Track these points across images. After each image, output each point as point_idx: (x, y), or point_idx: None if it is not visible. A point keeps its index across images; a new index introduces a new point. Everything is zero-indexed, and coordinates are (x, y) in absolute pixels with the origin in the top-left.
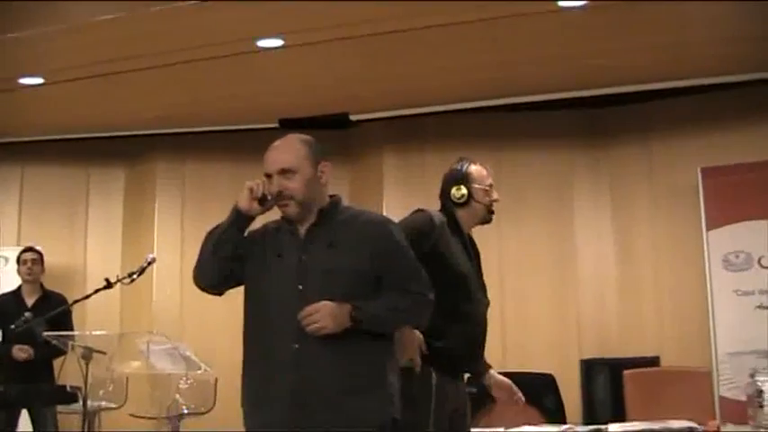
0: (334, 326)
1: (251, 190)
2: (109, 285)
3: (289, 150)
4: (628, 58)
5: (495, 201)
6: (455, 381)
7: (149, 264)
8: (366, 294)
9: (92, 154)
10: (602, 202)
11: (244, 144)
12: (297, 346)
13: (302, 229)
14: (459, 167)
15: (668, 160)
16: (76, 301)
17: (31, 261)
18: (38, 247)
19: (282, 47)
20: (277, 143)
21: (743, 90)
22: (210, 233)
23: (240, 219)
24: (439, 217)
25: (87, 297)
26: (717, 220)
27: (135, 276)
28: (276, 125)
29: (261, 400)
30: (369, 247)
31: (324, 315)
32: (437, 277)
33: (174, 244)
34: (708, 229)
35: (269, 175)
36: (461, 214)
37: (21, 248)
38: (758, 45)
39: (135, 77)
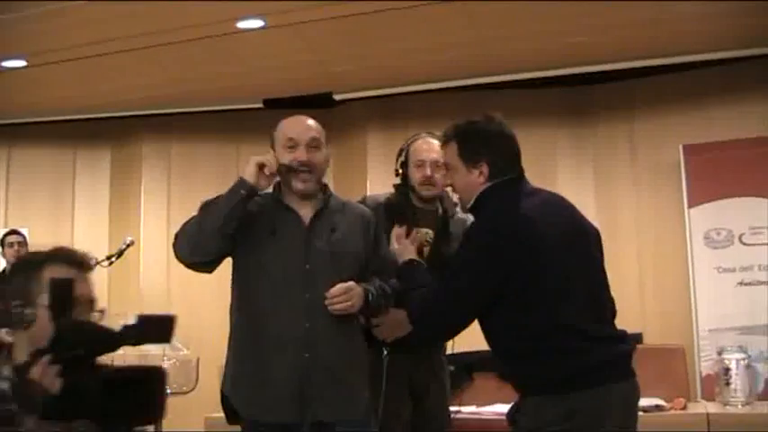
0: (358, 307)
1: (261, 165)
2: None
3: (315, 123)
4: (610, 35)
5: (426, 178)
6: (411, 355)
7: (128, 246)
8: (358, 277)
9: (78, 135)
10: (584, 179)
11: (229, 124)
12: (308, 324)
13: (302, 209)
14: (405, 141)
15: (651, 137)
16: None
17: (17, 244)
18: (21, 230)
19: (263, 27)
20: (299, 116)
21: (726, 67)
22: (207, 208)
23: (251, 194)
24: (372, 201)
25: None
26: (699, 197)
27: (114, 259)
28: (260, 105)
29: (263, 380)
30: (363, 234)
31: (355, 295)
32: None
33: (161, 224)
34: (690, 207)
35: (292, 144)
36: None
37: (5, 230)
38: (741, 22)
39: (118, 59)
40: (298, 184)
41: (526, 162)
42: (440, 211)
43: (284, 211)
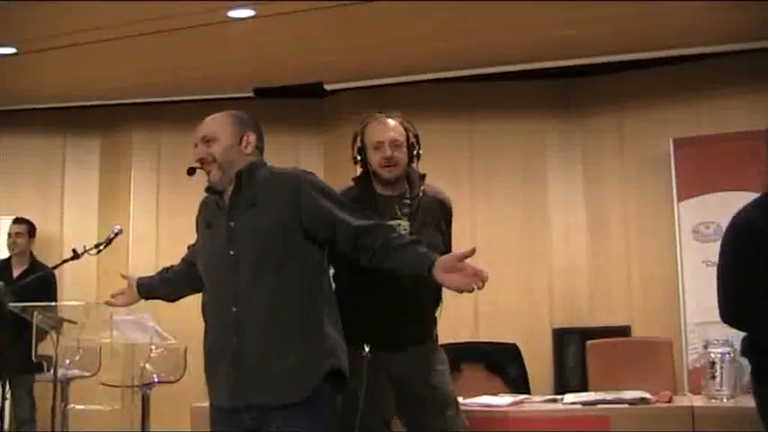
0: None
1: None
2: (76, 256)
3: (210, 121)
4: (600, 28)
5: (387, 159)
6: (392, 352)
7: (116, 235)
8: (294, 249)
9: (67, 123)
10: (573, 173)
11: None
12: (235, 309)
13: (226, 197)
14: (356, 129)
15: (640, 131)
16: (46, 272)
17: (15, 234)
18: (27, 218)
19: (254, 17)
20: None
21: (715, 62)
22: None
23: None
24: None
25: (55, 267)
26: (687, 190)
27: (102, 247)
28: (251, 95)
29: (212, 367)
30: (288, 202)
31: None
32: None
33: (150, 213)
34: (678, 200)
35: (195, 145)
36: (374, 180)
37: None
38: (729, 17)
39: (108, 47)
40: (208, 179)
41: (514, 154)
42: (407, 194)
43: (213, 203)
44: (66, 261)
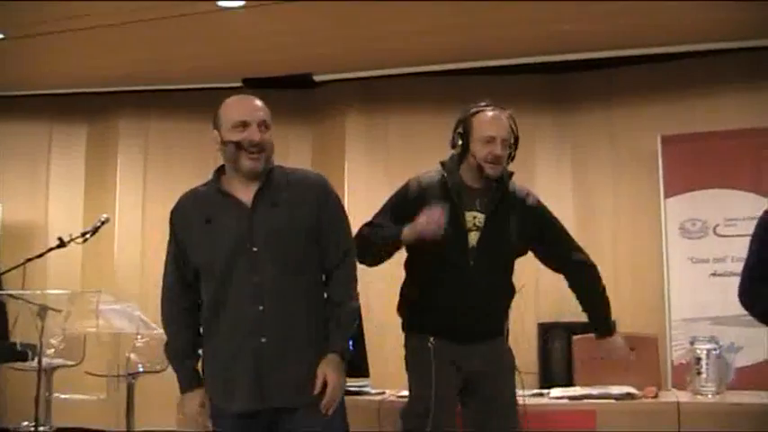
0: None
1: None
2: (62, 244)
3: (262, 104)
4: (592, 23)
5: (495, 156)
6: (461, 345)
7: (103, 223)
8: (311, 252)
9: (53, 111)
10: (562, 167)
11: (207, 103)
12: (261, 308)
13: (240, 192)
14: (466, 111)
15: (630, 127)
16: (30, 260)
17: None
18: None
19: (244, 7)
20: (245, 96)
21: (705, 59)
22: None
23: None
24: (423, 182)
25: (40, 255)
26: (675, 187)
27: (88, 236)
28: (240, 84)
29: (223, 369)
30: (313, 206)
31: (336, 389)
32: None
33: (136, 202)
34: (666, 197)
35: (244, 124)
36: (463, 167)
37: None
38: (721, 15)
39: (97, 34)
40: (245, 164)
41: None
42: (492, 189)
43: (217, 194)
44: (52, 249)
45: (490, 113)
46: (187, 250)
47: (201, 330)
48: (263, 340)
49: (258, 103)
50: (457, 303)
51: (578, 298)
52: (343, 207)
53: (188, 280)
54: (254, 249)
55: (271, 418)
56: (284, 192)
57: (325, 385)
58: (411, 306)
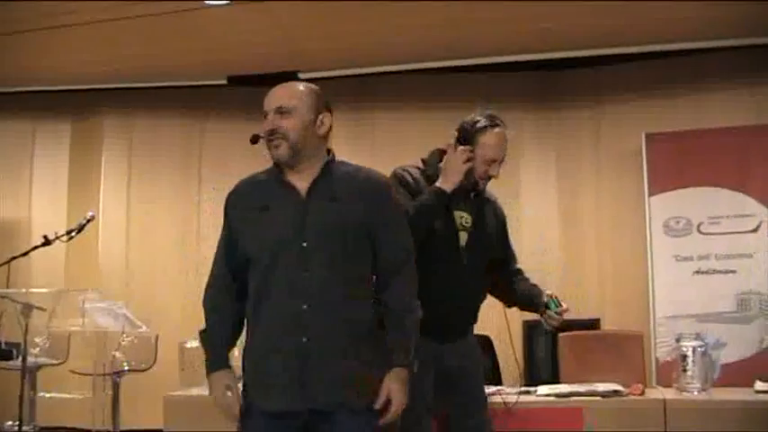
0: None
1: None
2: (47, 242)
3: (289, 90)
4: (578, 22)
5: (491, 176)
6: (441, 344)
7: (88, 221)
8: (364, 252)
9: (37, 108)
10: (547, 164)
11: (192, 100)
12: (306, 306)
13: (299, 182)
14: (471, 124)
15: (615, 125)
16: (15, 258)
17: None
18: None
19: (229, 4)
20: (280, 85)
21: (690, 58)
22: None
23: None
24: (413, 173)
25: (25, 254)
26: (659, 185)
27: (74, 234)
28: (225, 82)
29: (263, 366)
30: (367, 204)
31: (399, 402)
32: None
33: (121, 200)
34: (650, 195)
35: (265, 115)
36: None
37: None
38: (706, 14)
39: (81, 31)
40: (271, 153)
41: None
42: (472, 193)
43: (277, 184)
44: (36, 247)
45: (497, 136)
46: (239, 237)
47: (246, 321)
48: (305, 339)
49: (282, 89)
50: (448, 302)
51: (511, 293)
52: (402, 212)
53: (237, 268)
54: (304, 244)
55: (306, 420)
56: (341, 187)
57: (388, 400)
58: None
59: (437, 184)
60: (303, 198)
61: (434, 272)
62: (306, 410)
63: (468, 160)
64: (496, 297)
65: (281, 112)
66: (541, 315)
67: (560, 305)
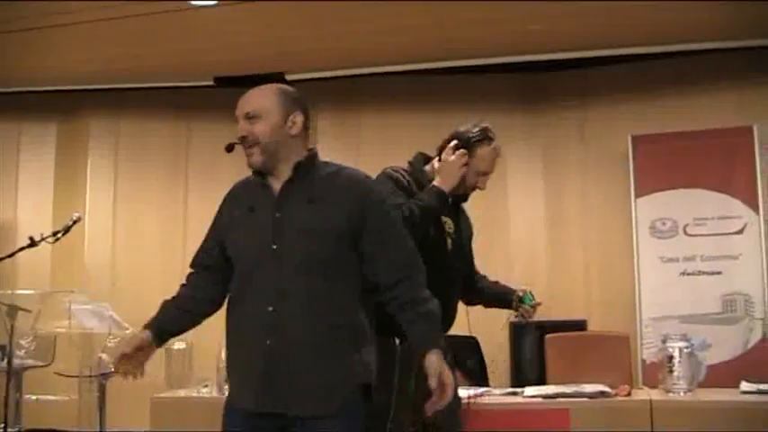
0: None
1: None
2: (33, 244)
3: (256, 94)
4: (565, 24)
5: (478, 188)
6: None
7: (75, 222)
8: (343, 255)
9: (23, 108)
10: (534, 166)
11: (179, 101)
12: (271, 309)
13: (277, 184)
14: (470, 135)
15: (601, 127)
16: (0, 259)
17: None
18: None
19: (217, 5)
20: (250, 90)
21: (676, 60)
22: None
23: None
24: (405, 174)
25: (11, 255)
26: (645, 187)
27: (60, 235)
28: (211, 83)
29: (239, 365)
30: (348, 206)
31: (449, 386)
32: None
33: (107, 202)
34: (636, 197)
35: (237, 120)
36: (428, 170)
37: None
38: (692, 16)
39: (68, 32)
40: (247, 161)
41: None
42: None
43: (258, 186)
44: (23, 249)
45: (494, 151)
46: (226, 239)
47: (192, 321)
48: (268, 342)
49: (250, 94)
50: None
51: (476, 292)
52: (395, 215)
53: (214, 267)
54: (274, 247)
55: (281, 423)
56: (321, 187)
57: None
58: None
59: (435, 183)
60: (276, 198)
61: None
62: (277, 414)
63: (464, 165)
64: (460, 298)
65: (250, 117)
66: (515, 309)
67: (534, 299)
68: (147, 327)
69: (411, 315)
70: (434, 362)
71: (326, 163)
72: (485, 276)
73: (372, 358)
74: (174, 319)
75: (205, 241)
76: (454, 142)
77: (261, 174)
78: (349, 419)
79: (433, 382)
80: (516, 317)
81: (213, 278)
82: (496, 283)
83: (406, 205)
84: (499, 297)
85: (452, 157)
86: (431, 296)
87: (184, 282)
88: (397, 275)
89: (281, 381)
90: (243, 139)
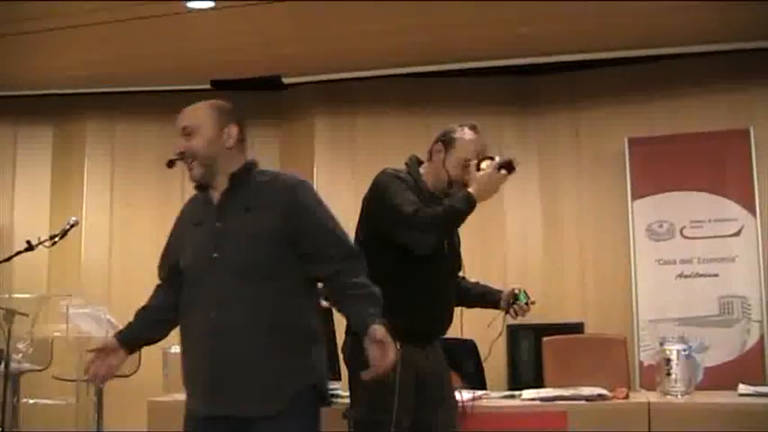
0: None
1: None
2: (30, 248)
3: (191, 110)
4: (557, 26)
5: (466, 182)
6: (422, 348)
7: (72, 226)
8: (282, 258)
9: (18, 112)
10: (528, 170)
11: (175, 105)
12: (214, 315)
13: (217, 196)
14: (451, 128)
15: (596, 129)
16: None
17: None
18: None
19: (213, 8)
20: (185, 108)
21: (670, 63)
22: None
23: None
24: (404, 176)
25: (8, 259)
26: (642, 189)
27: (57, 239)
28: (208, 86)
29: (189, 371)
30: (280, 210)
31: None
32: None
33: (103, 205)
34: (633, 199)
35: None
36: (426, 173)
37: None
38: (685, 19)
39: (64, 35)
40: (189, 175)
41: None
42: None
43: (201, 201)
44: (20, 252)
45: (475, 139)
46: (177, 251)
47: (161, 330)
48: (212, 348)
49: (186, 110)
50: (435, 307)
51: (461, 292)
52: (324, 209)
53: (174, 280)
54: (215, 255)
55: (234, 426)
56: (257, 196)
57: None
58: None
59: (470, 190)
60: (215, 208)
61: (426, 277)
62: (229, 417)
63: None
64: None
65: (186, 133)
66: (507, 308)
67: (528, 297)
68: (115, 334)
69: (353, 299)
70: (377, 328)
71: (264, 172)
72: (464, 277)
73: (321, 359)
74: (142, 328)
75: (163, 257)
76: (497, 159)
77: (204, 187)
78: (297, 419)
79: (372, 347)
80: (509, 314)
81: (176, 290)
82: (477, 283)
83: (413, 201)
84: (484, 297)
85: (494, 174)
86: (371, 283)
87: (153, 293)
88: (338, 267)
89: (225, 384)
90: (181, 155)
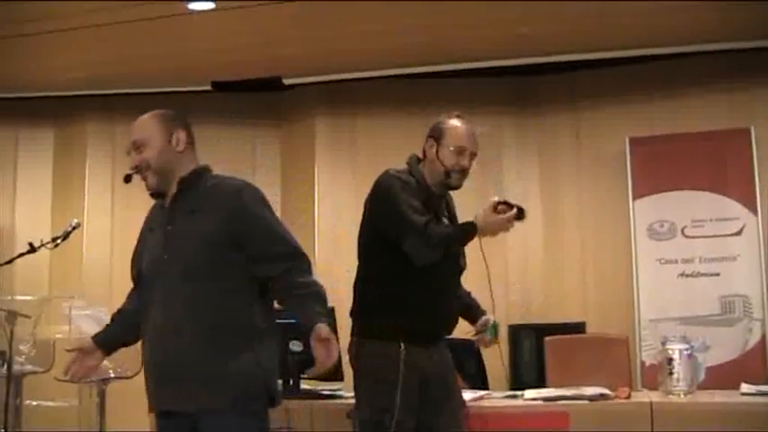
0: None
1: None
2: (32, 250)
3: (138, 124)
4: (557, 26)
5: (461, 167)
6: (426, 349)
7: (74, 228)
8: (226, 259)
9: (19, 114)
10: (529, 169)
11: (176, 107)
12: (160, 314)
13: (168, 201)
14: (438, 121)
15: (596, 129)
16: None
17: None
18: None
19: (214, 9)
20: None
21: (671, 62)
22: None
23: None
24: (405, 178)
25: (10, 261)
26: (643, 189)
27: (59, 241)
28: (209, 88)
29: (145, 369)
30: (222, 213)
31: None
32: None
33: (105, 206)
34: (634, 198)
35: (129, 153)
36: (425, 171)
37: None
38: (685, 18)
39: (65, 37)
40: (145, 186)
41: None
42: (445, 197)
43: (158, 208)
44: (22, 255)
45: (464, 126)
46: (138, 255)
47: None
48: (160, 346)
49: (134, 125)
50: (436, 308)
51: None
52: (268, 212)
53: (138, 283)
54: (165, 257)
55: (186, 419)
56: (201, 199)
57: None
58: (384, 311)
59: (475, 220)
60: (167, 213)
61: (428, 278)
62: (173, 411)
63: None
64: None
65: (137, 146)
66: (476, 333)
67: (497, 334)
68: (92, 336)
69: (299, 298)
70: (322, 327)
71: (215, 176)
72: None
73: (267, 356)
74: (117, 331)
75: (132, 262)
76: (515, 210)
77: (160, 195)
78: (242, 414)
79: (317, 346)
80: (475, 338)
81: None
82: (469, 294)
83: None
84: (467, 311)
85: (505, 217)
86: (317, 281)
87: (127, 297)
88: (284, 266)
89: (170, 380)
90: (137, 168)
